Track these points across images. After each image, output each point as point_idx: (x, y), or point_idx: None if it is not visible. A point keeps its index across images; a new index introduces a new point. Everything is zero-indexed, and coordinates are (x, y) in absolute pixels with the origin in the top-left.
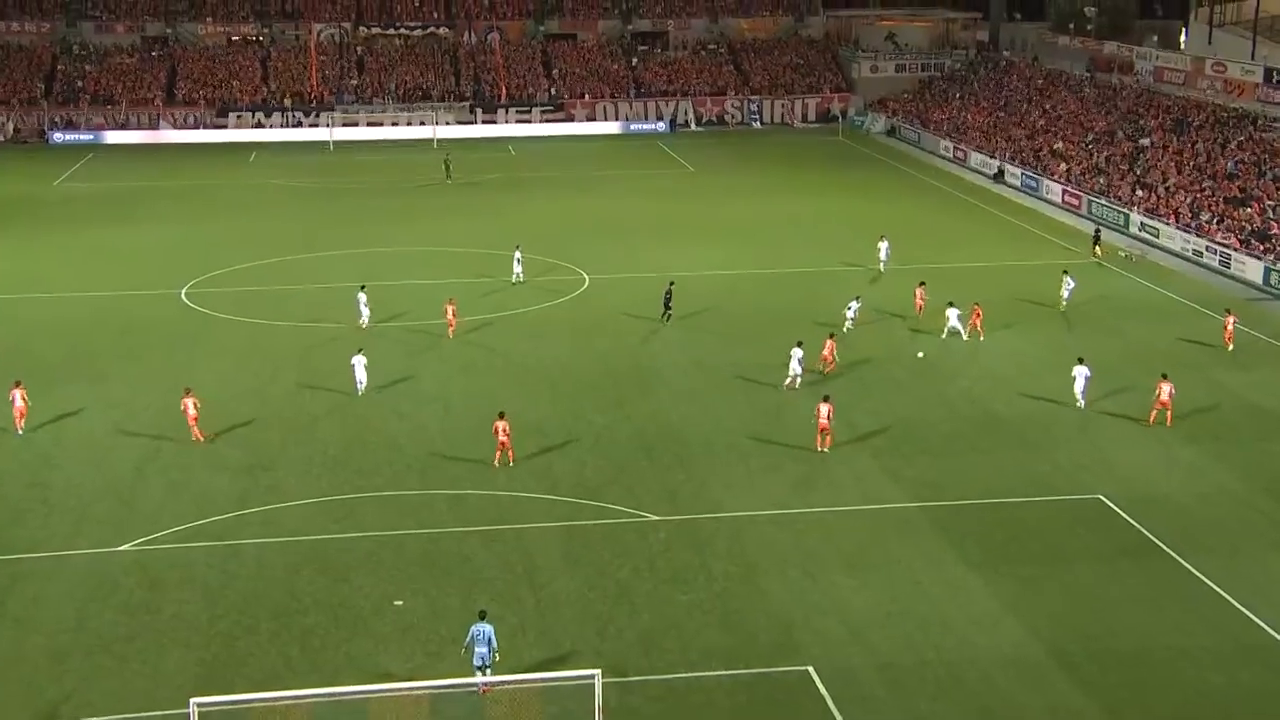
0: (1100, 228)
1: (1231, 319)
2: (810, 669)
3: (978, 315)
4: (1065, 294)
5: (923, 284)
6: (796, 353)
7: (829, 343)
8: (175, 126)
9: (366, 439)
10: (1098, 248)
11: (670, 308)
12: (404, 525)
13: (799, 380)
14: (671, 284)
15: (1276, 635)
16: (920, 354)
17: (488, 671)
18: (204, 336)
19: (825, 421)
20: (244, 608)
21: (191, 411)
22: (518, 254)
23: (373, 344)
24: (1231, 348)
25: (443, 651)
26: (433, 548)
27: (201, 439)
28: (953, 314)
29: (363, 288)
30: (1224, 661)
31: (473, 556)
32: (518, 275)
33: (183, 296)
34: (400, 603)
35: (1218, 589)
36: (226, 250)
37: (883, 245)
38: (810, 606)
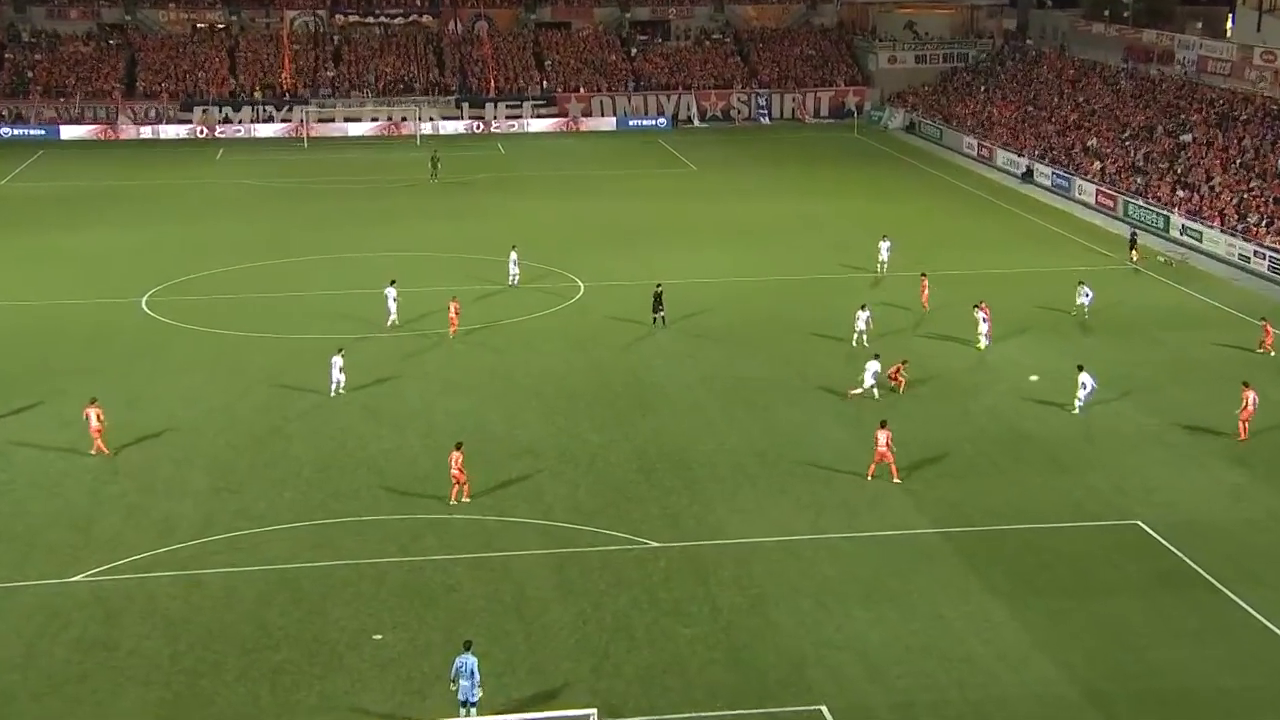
0: (1137, 231)
1: (1269, 328)
2: (824, 709)
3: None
4: (1083, 303)
5: (925, 275)
6: (872, 365)
7: (899, 365)
8: (135, 121)
9: (344, 460)
10: (1134, 252)
11: (661, 311)
12: (384, 552)
13: (869, 391)
14: (659, 286)
15: None
16: (1034, 378)
17: (473, 710)
18: (167, 349)
19: (884, 449)
20: (209, 643)
21: (94, 423)
22: (514, 255)
23: (359, 351)
24: (1274, 354)
25: (426, 689)
26: (415, 577)
27: (105, 453)
28: (980, 316)
29: (392, 283)
30: (1276, 704)
31: (458, 586)
32: (514, 278)
33: (144, 306)
34: (380, 636)
35: (1268, 623)
36: (191, 255)
37: (883, 246)
38: (823, 641)
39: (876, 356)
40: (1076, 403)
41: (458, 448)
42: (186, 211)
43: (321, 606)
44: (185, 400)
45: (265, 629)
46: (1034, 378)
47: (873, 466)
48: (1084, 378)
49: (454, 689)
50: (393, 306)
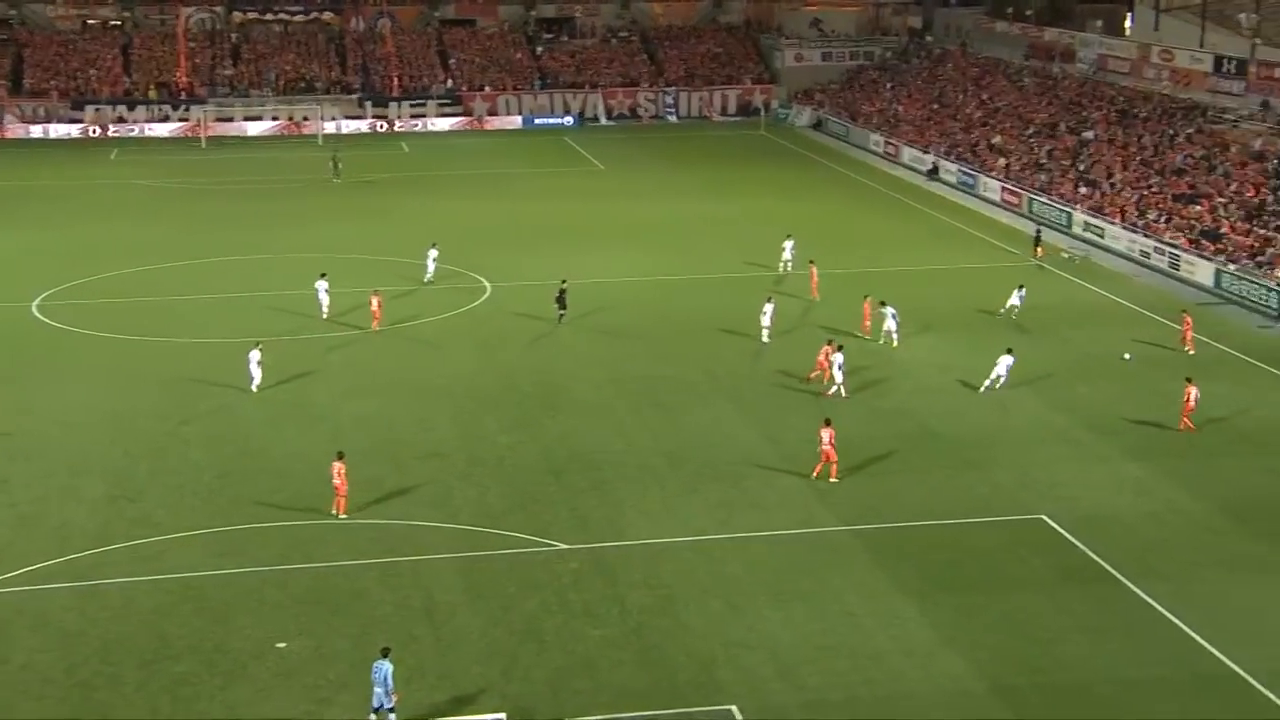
0: (1041, 228)
1: (1189, 320)
2: (734, 709)
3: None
4: (1015, 302)
5: (813, 263)
6: (837, 358)
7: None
8: (22, 120)
9: (247, 465)
10: (1039, 249)
11: (564, 307)
12: (289, 559)
13: (843, 389)
14: (564, 283)
15: (1233, 665)
16: (1127, 356)
17: (388, 716)
18: (60, 354)
19: (828, 447)
20: (106, 655)
21: None
22: (433, 252)
23: (269, 354)
24: (1192, 352)
25: (332, 697)
26: (320, 583)
27: None
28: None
29: (323, 275)
30: (1177, 694)
31: (365, 592)
32: (430, 275)
33: (34, 310)
34: (284, 645)
35: (1170, 615)
36: (85, 258)
37: (787, 245)
38: (733, 641)
39: (840, 349)
40: (985, 382)
41: (339, 457)
42: (79, 213)
43: (224, 615)
44: (80, 407)
45: (165, 640)
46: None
47: (819, 466)
48: (1003, 363)
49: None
50: (324, 299)
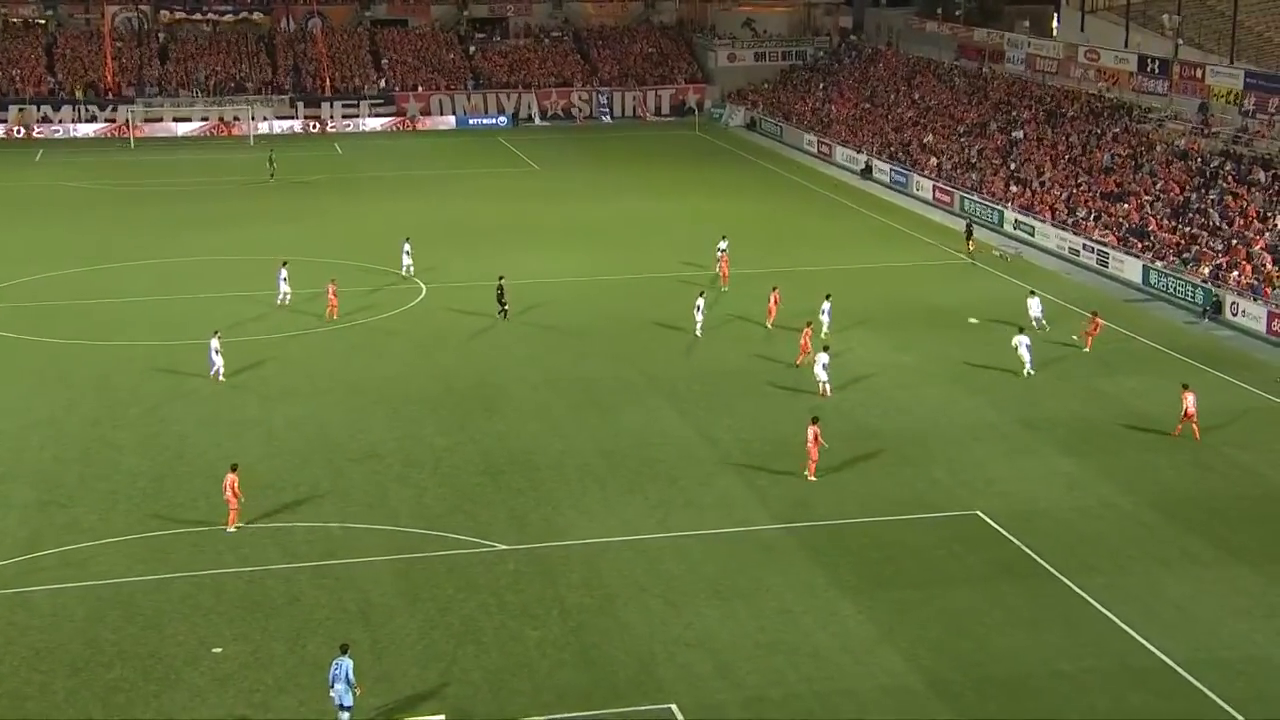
0: (972, 221)
1: (1099, 321)
2: (674, 707)
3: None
4: (1037, 314)
5: (724, 254)
6: (822, 358)
7: (807, 330)
8: None
9: (179, 470)
10: (970, 243)
11: (505, 304)
12: (223, 564)
13: (828, 388)
14: (501, 279)
15: (1164, 657)
16: (973, 320)
17: (347, 714)
18: None
19: (813, 445)
20: (36, 663)
21: None
22: (407, 246)
23: (198, 361)
24: (1088, 350)
25: (269, 702)
26: (255, 588)
27: None
28: (825, 307)
29: (285, 263)
30: (1110, 685)
31: (301, 596)
32: (408, 268)
33: None
34: (219, 650)
35: (1102, 609)
36: (11, 261)
37: (721, 245)
38: (673, 639)
39: (827, 348)
40: (1025, 362)
41: (233, 470)
42: (6, 216)
43: (157, 621)
44: (6, 411)
45: (97, 647)
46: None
47: (812, 464)
48: (1019, 339)
49: (331, 694)
50: (284, 288)
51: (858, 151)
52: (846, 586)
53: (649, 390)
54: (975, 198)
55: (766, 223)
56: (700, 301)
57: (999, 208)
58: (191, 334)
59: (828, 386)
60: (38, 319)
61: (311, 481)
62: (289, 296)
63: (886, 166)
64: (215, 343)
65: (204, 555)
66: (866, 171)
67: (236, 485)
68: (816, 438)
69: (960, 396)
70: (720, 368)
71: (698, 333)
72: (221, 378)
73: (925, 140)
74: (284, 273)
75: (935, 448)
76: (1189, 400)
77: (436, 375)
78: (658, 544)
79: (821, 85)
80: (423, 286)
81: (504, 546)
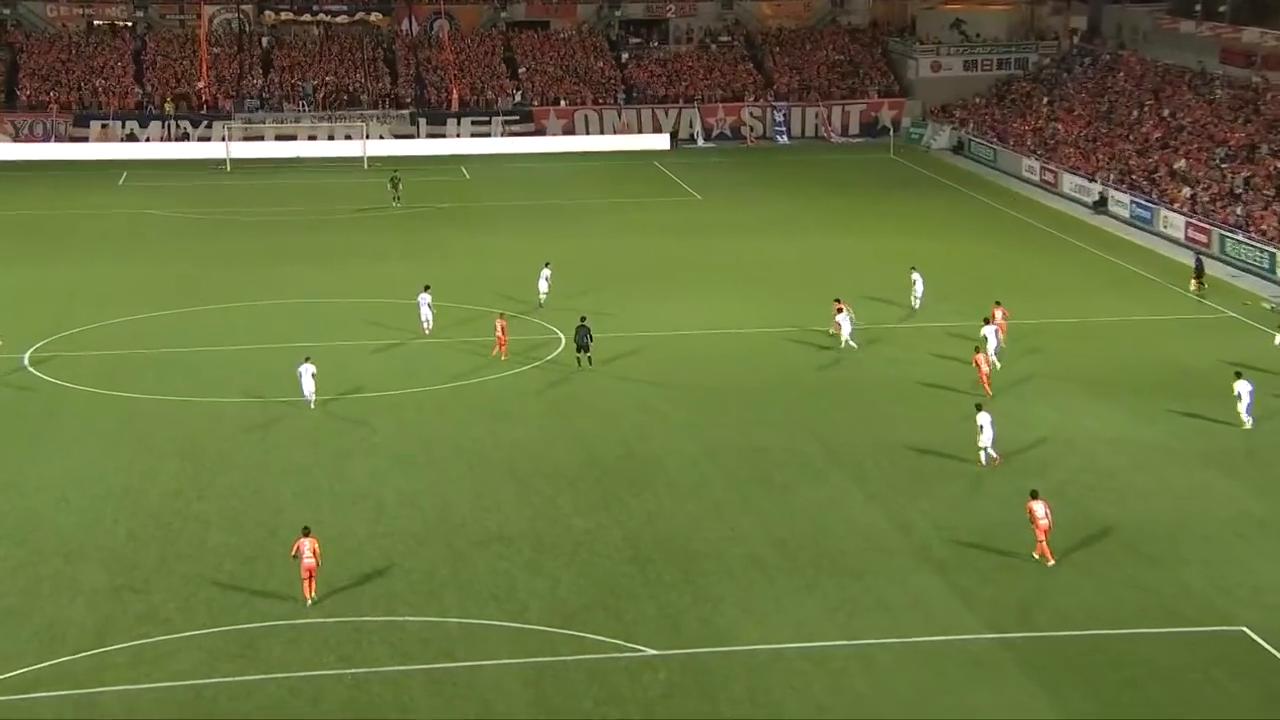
0: (1201, 255)
1: None
2: None
3: (1003, 323)
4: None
5: (838, 300)
6: (984, 417)
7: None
8: (15, 138)
9: (272, 551)
10: (1199, 281)
11: (587, 349)
12: (321, 664)
13: (991, 453)
14: (584, 319)
15: None
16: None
17: None
18: (56, 416)
19: (1046, 523)
20: None
21: None
22: (546, 272)
23: (291, 422)
24: None
25: None
26: (359, 694)
27: None
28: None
29: (426, 288)
30: None
31: (412, 705)
32: (543, 295)
33: (26, 363)
34: None
35: None
36: (87, 302)
37: (916, 278)
38: None
39: (978, 406)
40: (1243, 415)
41: (306, 534)
42: (81, 248)
43: None
44: (77, 479)
45: None
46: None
47: (1042, 544)
48: (1240, 385)
49: None
50: (426, 314)
51: (1090, 180)
52: (1075, 715)
53: (830, 465)
54: (1239, 237)
55: (977, 266)
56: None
57: (1271, 250)
58: (289, 390)
59: (993, 451)
60: (114, 371)
61: (427, 567)
62: (430, 324)
63: (1126, 198)
64: (310, 367)
65: (299, 653)
66: (1100, 204)
67: (318, 548)
68: (1047, 513)
69: (1218, 481)
70: (916, 439)
71: (839, 343)
72: (313, 403)
73: (1176, 166)
74: (426, 298)
75: (1187, 544)
76: None
77: (575, 443)
78: (840, 654)
79: (1046, 99)
80: (560, 336)
81: (653, 651)
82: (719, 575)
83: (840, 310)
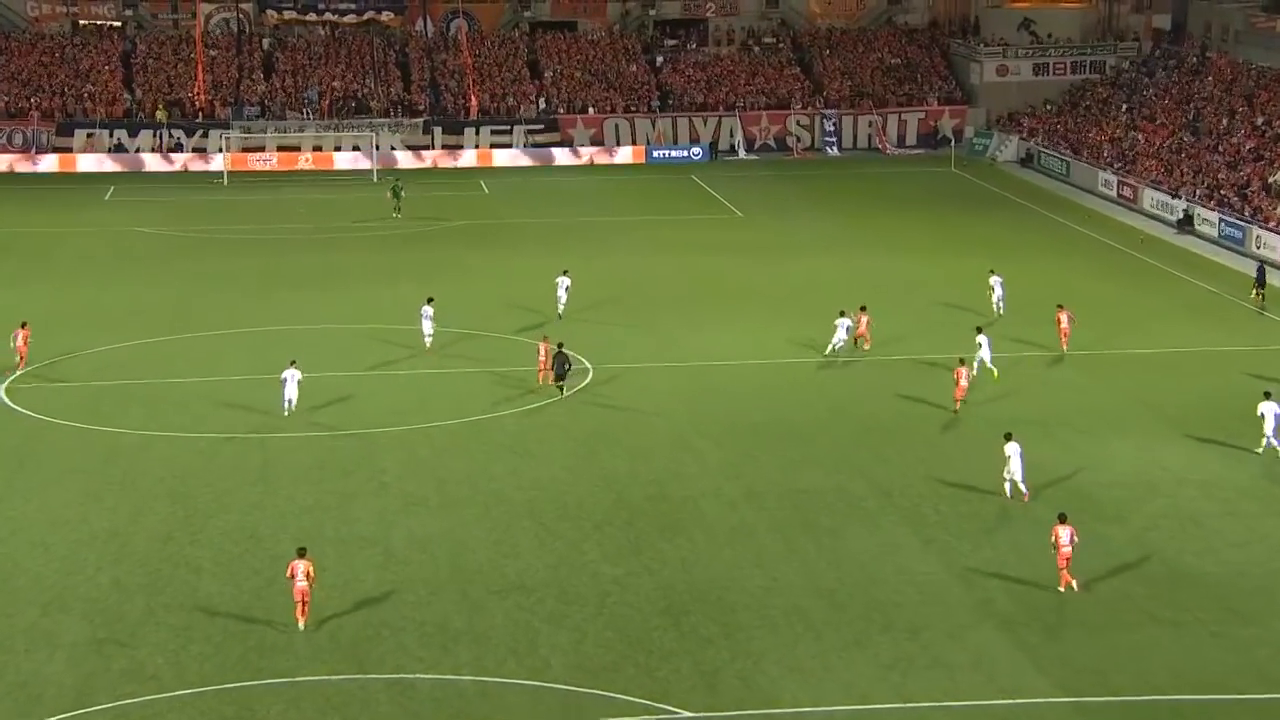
0: (1264, 265)
1: None
2: None
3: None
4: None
5: (864, 308)
6: (1013, 447)
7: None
8: None
9: (271, 599)
10: (1260, 293)
11: (564, 377)
12: None
13: (1021, 486)
14: (560, 345)
15: None
16: None
17: None
18: (34, 454)
19: (1069, 550)
20: None
21: None
22: (565, 280)
23: (294, 455)
24: None
25: None
26: None
27: None
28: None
29: (430, 300)
30: None
31: None
32: (562, 306)
33: (1, 394)
34: None
35: None
36: (69, 327)
37: (995, 282)
38: None
39: (1009, 435)
40: (1268, 434)
41: (301, 555)
42: (62, 269)
43: None
44: (57, 522)
45: None
46: None
47: (1065, 574)
48: (1266, 406)
49: None
50: (428, 327)
51: (1174, 195)
52: None
53: (882, 508)
54: None
55: (1049, 289)
56: (842, 322)
57: None
58: (291, 425)
59: (1022, 485)
60: (99, 403)
61: (439, 619)
62: (431, 339)
63: (1214, 215)
64: (295, 373)
65: (300, 715)
66: (1186, 222)
67: (312, 571)
68: (1072, 539)
69: None
70: (977, 479)
71: (827, 351)
72: (291, 409)
73: (1271, 180)
74: (429, 310)
75: None
76: None
77: (603, 483)
78: (893, 718)
79: (1125, 106)
80: (589, 366)
81: (688, 713)
82: (760, 629)
83: (844, 315)
